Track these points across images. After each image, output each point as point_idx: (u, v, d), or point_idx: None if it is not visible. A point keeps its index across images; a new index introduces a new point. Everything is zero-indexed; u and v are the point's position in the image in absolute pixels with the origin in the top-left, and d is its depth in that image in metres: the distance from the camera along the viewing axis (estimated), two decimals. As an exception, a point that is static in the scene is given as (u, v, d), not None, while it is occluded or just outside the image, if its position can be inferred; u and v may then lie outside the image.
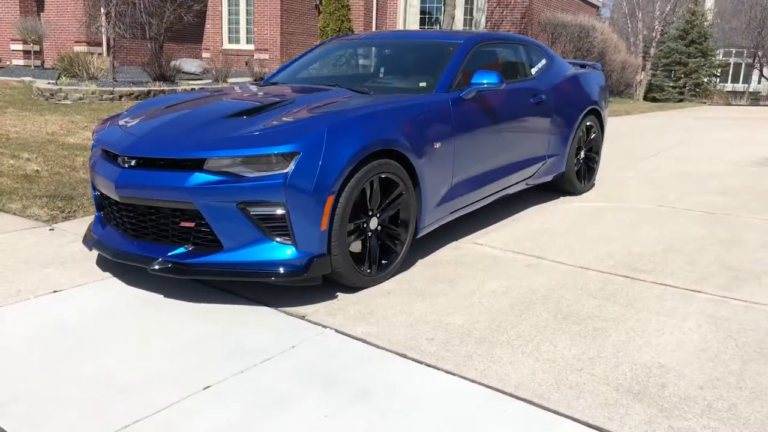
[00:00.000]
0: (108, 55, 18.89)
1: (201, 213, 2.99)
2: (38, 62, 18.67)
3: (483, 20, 17.69)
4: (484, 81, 3.89)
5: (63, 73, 12.91)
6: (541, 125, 4.78)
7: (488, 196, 4.32)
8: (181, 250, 3.11)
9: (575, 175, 5.36)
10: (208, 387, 2.37)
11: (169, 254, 3.10)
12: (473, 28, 17.81)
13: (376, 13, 18.37)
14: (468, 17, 17.82)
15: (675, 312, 3.10)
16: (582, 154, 5.45)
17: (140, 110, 3.81)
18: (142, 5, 17.22)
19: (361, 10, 17.81)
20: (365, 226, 3.31)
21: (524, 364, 2.58)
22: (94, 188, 3.61)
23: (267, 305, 3.10)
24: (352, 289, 3.30)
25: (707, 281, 3.50)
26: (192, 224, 3.08)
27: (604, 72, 5.85)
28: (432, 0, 17.00)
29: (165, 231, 3.17)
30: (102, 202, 3.55)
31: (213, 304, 3.11)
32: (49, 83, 11.65)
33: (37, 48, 19.06)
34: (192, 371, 2.47)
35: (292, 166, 2.93)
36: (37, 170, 5.66)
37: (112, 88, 10.88)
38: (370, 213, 3.31)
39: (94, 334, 2.76)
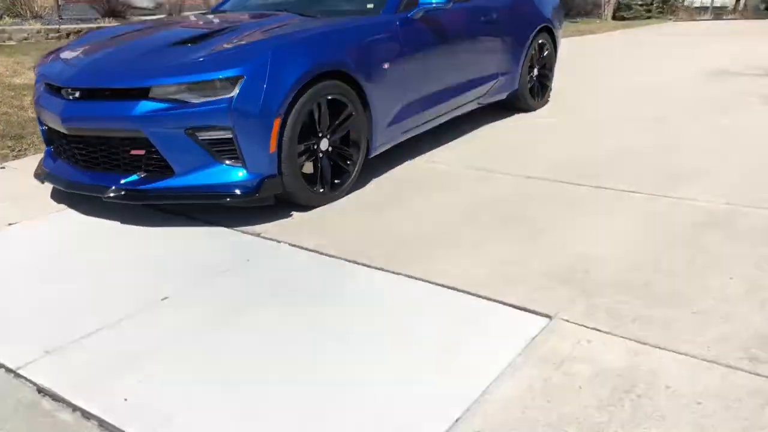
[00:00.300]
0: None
1: (150, 140, 3.07)
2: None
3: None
4: (432, 0, 3.94)
5: (6, 13, 12.50)
6: (493, 44, 4.85)
7: (441, 115, 4.43)
8: (133, 177, 3.20)
9: (528, 92, 5.47)
10: (166, 298, 2.53)
11: (122, 182, 3.19)
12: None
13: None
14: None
15: (611, 210, 3.29)
16: (535, 71, 5.54)
17: (83, 42, 3.82)
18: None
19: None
20: (316, 147, 3.41)
21: (464, 262, 2.75)
22: (41, 123, 3.66)
23: (223, 226, 3.24)
24: (306, 207, 3.43)
25: (645, 183, 3.69)
26: (142, 152, 3.16)
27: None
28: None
29: (116, 160, 3.25)
30: (50, 137, 3.60)
31: (171, 227, 3.24)
32: (-8, 25, 11.30)
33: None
34: (151, 286, 2.62)
35: (236, 91, 3.00)
36: (-11, 113, 5.63)
37: (58, 26, 10.60)
38: (320, 134, 3.41)
39: (56, 260, 2.89)
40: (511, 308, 2.37)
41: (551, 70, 5.78)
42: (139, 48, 3.44)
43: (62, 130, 3.27)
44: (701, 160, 4.10)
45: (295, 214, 3.39)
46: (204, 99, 3.02)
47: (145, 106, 3.04)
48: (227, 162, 3.11)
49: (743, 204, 3.30)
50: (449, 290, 2.52)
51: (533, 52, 5.37)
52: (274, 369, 2.04)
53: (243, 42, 3.28)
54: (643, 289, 2.45)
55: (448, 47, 4.31)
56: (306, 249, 2.95)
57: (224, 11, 4.62)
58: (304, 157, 3.35)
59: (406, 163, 4.25)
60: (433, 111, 4.29)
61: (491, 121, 5.34)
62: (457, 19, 4.42)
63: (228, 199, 3.14)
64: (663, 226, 3.07)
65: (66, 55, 3.58)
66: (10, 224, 3.30)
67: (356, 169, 3.66)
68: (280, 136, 3.14)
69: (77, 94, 3.22)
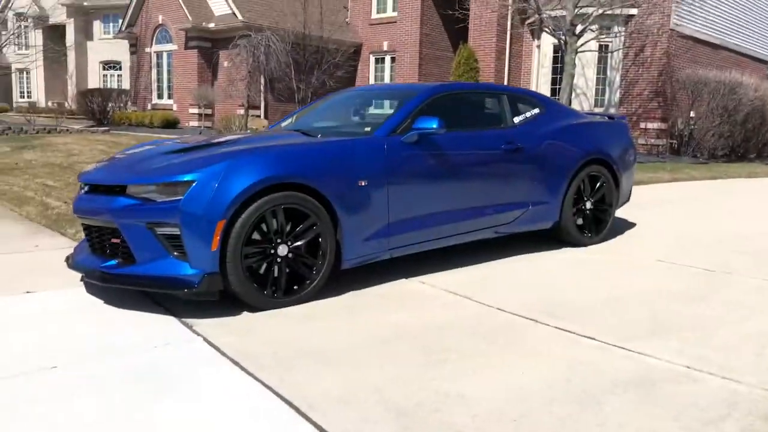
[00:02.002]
0: (265, 117, 21.18)
1: (120, 231, 3.53)
2: (209, 123, 21.32)
3: (617, 79, 17.15)
4: (423, 126, 4.09)
5: (222, 131, 14.95)
6: (518, 172, 4.76)
7: (442, 238, 4.40)
8: (111, 262, 3.66)
9: (574, 226, 5.18)
10: (55, 367, 2.83)
11: (102, 265, 3.66)
12: (606, 87, 17.33)
13: (508, 76, 18.62)
14: (601, 76, 17.38)
15: (542, 355, 3.00)
16: (587, 205, 5.27)
17: (125, 151, 4.51)
18: (293, 73, 19.21)
19: (491, 72, 18.18)
20: (273, 251, 3.62)
21: (332, 381, 2.70)
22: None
23: (173, 314, 3.52)
24: (258, 309, 3.60)
25: (615, 332, 3.30)
26: (119, 241, 3.63)
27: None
28: (563, 60, 16.88)
29: (105, 246, 3.75)
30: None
31: (133, 310, 3.59)
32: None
33: (209, 111, 21.85)
34: (53, 357, 2.94)
35: (186, 193, 3.38)
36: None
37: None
38: (279, 240, 3.63)
39: (20, 327, 3.37)
40: (315, 430, 2.29)
41: (611, 205, 5.43)
42: (146, 154, 4.01)
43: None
44: (716, 316, 3.56)
45: (245, 313, 3.58)
46: (165, 198, 3.43)
47: (120, 201, 3.53)
48: (176, 254, 3.45)
49: (706, 370, 2.81)
50: (280, 400, 2.50)
51: (581, 184, 5.14)
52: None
53: (216, 153, 3.69)
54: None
55: (452, 171, 4.35)
56: (212, 345, 3.11)
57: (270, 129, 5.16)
58: (254, 259, 3.56)
59: (399, 281, 4.25)
60: (429, 232, 4.30)
61: (532, 252, 5.12)
62: (465, 145, 4.48)
63: (172, 291, 3.44)
64: (578, 378, 2.73)
65: (104, 161, 4.27)
66: (27, 292, 3.90)
67: (319, 278, 3.77)
68: (225, 237, 3.41)
69: (86, 188, 3.83)
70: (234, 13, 20.44)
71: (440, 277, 4.37)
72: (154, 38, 23.21)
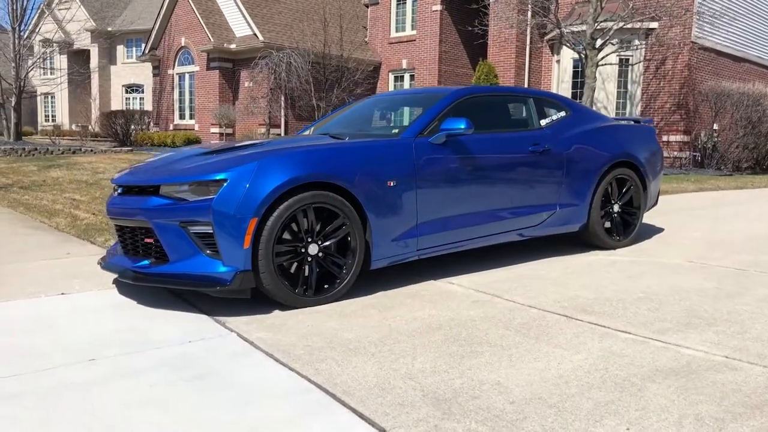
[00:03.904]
0: (285, 134, 21.37)
1: (154, 230, 3.58)
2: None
3: (638, 92, 17.09)
4: (451, 127, 4.11)
5: None
6: (546, 174, 4.75)
7: (469, 239, 4.39)
8: (144, 262, 3.71)
9: (603, 229, 5.14)
10: (93, 360, 2.86)
11: (134, 265, 3.71)
12: (627, 100, 17.26)
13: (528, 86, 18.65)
14: (622, 90, 17.33)
15: (578, 346, 2.98)
16: (615, 207, 5.23)
17: (161, 155, 4.58)
18: (313, 91, 19.43)
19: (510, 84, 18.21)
20: (303, 250, 3.64)
21: (366, 370, 2.71)
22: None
23: (205, 313, 3.55)
24: (289, 307, 3.62)
25: (649, 325, 3.27)
26: (152, 240, 3.67)
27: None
28: (583, 75, 16.87)
29: (138, 246, 3.80)
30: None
31: (166, 310, 3.62)
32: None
33: (230, 131, 22.12)
34: (93, 350, 2.98)
35: (219, 192, 3.42)
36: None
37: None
38: (309, 239, 3.65)
39: (58, 325, 3.42)
40: (353, 414, 2.29)
41: (639, 208, 5.39)
42: (179, 156, 4.07)
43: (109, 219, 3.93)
44: (751, 311, 3.50)
45: (276, 311, 3.59)
46: (197, 197, 3.48)
47: (153, 201, 3.59)
48: (208, 252, 3.48)
49: (745, 360, 2.77)
50: (315, 387, 2.51)
51: (608, 186, 5.11)
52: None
53: (247, 153, 3.74)
54: (509, 426, 2.19)
55: (480, 173, 4.35)
56: (245, 339, 3.13)
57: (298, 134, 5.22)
58: (286, 258, 3.58)
59: (428, 282, 4.24)
60: (457, 233, 4.29)
61: (560, 255, 5.09)
62: (493, 146, 4.48)
63: (204, 288, 3.47)
64: (616, 367, 2.70)
65: (135, 165, 4.33)
66: (62, 293, 3.96)
67: (349, 277, 3.78)
68: (255, 234, 3.44)
69: (120, 190, 3.90)
70: (255, 34, 20.78)
71: (469, 278, 4.36)
72: (177, 60, 23.64)
